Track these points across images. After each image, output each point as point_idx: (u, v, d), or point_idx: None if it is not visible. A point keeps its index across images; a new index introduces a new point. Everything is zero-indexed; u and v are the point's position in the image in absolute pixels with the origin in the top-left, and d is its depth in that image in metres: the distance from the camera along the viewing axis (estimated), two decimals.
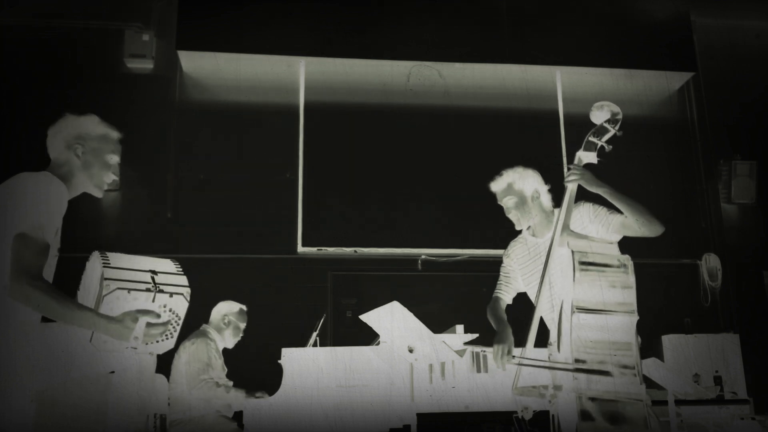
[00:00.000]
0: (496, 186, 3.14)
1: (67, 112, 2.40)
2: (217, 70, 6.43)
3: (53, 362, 2.21)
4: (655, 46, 6.71)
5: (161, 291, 2.30)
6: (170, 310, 2.33)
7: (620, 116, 2.84)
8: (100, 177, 2.40)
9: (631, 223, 2.82)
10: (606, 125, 2.84)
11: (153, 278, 2.31)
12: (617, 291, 2.55)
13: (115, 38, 6.36)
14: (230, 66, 6.39)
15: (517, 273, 3.21)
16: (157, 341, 2.30)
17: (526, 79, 6.61)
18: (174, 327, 2.34)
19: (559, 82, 6.77)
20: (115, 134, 2.46)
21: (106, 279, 2.23)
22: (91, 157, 2.38)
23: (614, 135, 2.84)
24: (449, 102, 6.64)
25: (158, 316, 2.25)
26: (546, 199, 3.11)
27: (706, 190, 6.85)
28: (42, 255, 2.11)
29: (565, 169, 6.37)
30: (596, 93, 6.52)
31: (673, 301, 6.49)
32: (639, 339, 2.94)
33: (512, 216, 3.12)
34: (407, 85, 6.64)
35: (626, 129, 2.88)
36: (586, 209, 2.97)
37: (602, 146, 2.84)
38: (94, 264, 2.31)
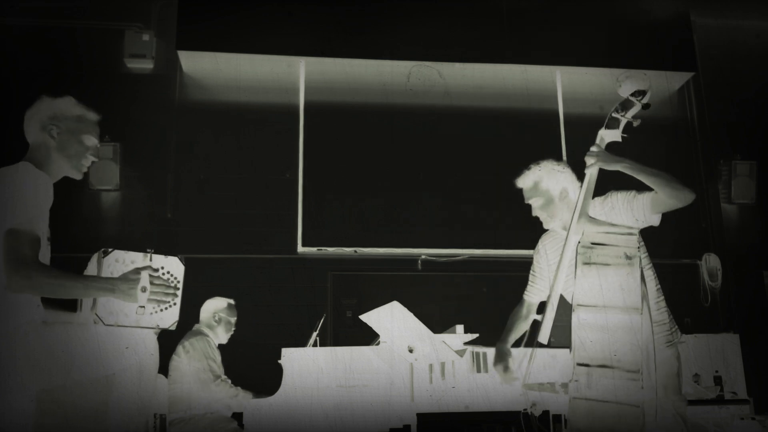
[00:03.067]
0: (522, 183, 2.95)
1: (43, 94, 2.41)
2: (217, 70, 6.43)
3: (53, 362, 2.20)
4: (655, 46, 6.71)
5: (157, 252, 2.38)
6: (168, 272, 2.37)
7: (648, 86, 2.62)
8: (78, 158, 2.40)
9: (660, 196, 2.64)
10: (631, 98, 2.63)
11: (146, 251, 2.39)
12: (619, 288, 2.37)
13: (115, 38, 6.36)
14: (230, 66, 6.38)
15: (545, 270, 3.06)
16: (161, 309, 2.32)
17: (526, 79, 6.61)
18: (175, 293, 2.36)
19: (559, 82, 6.77)
20: (92, 115, 2.46)
21: (101, 250, 2.32)
22: (66, 138, 2.38)
23: (641, 109, 2.62)
24: (449, 102, 6.63)
25: (156, 270, 2.30)
26: (575, 196, 2.88)
27: (706, 190, 6.85)
28: (34, 246, 2.11)
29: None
30: (596, 93, 6.52)
31: (673, 301, 6.46)
32: (679, 335, 2.76)
33: (539, 215, 2.96)
34: (407, 85, 6.64)
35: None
36: (617, 197, 2.79)
37: (629, 122, 2.64)
38: (94, 258, 2.34)
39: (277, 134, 6.45)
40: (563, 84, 6.76)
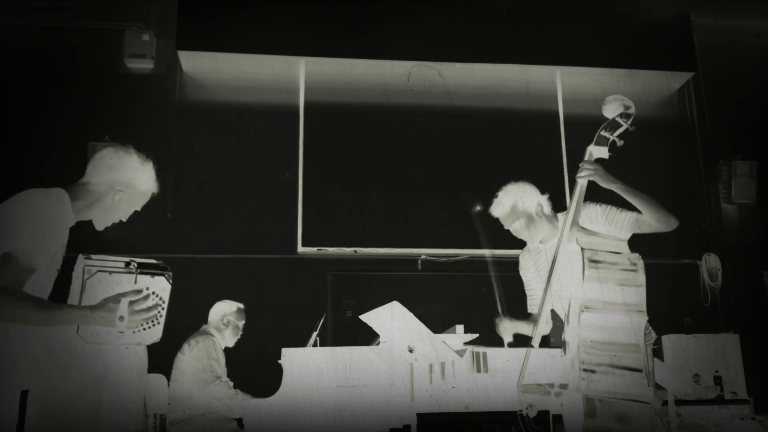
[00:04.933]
0: (498, 211, 3.04)
1: (132, 147, 2.40)
2: (217, 70, 6.43)
3: (53, 362, 2.21)
4: (655, 46, 6.71)
5: (142, 273, 2.30)
6: (153, 293, 2.32)
7: (633, 110, 2.79)
8: (114, 219, 2.44)
9: (646, 219, 2.79)
10: (618, 119, 2.79)
11: (133, 262, 2.31)
12: (627, 290, 2.47)
13: (115, 38, 6.36)
14: (230, 66, 6.38)
15: (539, 281, 3.15)
16: (144, 328, 2.29)
17: (526, 79, 6.61)
18: (159, 312, 2.33)
19: (559, 82, 6.77)
20: (155, 191, 2.47)
21: (87, 266, 2.23)
22: (122, 205, 2.42)
23: (626, 129, 2.78)
24: (449, 102, 6.63)
25: (140, 291, 2.25)
26: (548, 208, 3.06)
27: (706, 190, 6.85)
28: (24, 275, 2.09)
29: (565, 170, 6.41)
30: (596, 93, 6.52)
31: (673, 301, 6.49)
32: (654, 336, 2.89)
33: (523, 237, 3.06)
34: (407, 85, 6.64)
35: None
36: (593, 210, 2.93)
37: (614, 141, 2.78)
38: (78, 264, 2.29)
39: (277, 134, 6.45)
40: (563, 84, 6.76)
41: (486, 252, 2.84)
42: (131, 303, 2.21)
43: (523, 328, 3.08)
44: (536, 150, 6.37)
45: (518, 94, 6.62)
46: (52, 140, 5.91)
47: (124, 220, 2.49)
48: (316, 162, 6.35)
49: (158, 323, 2.34)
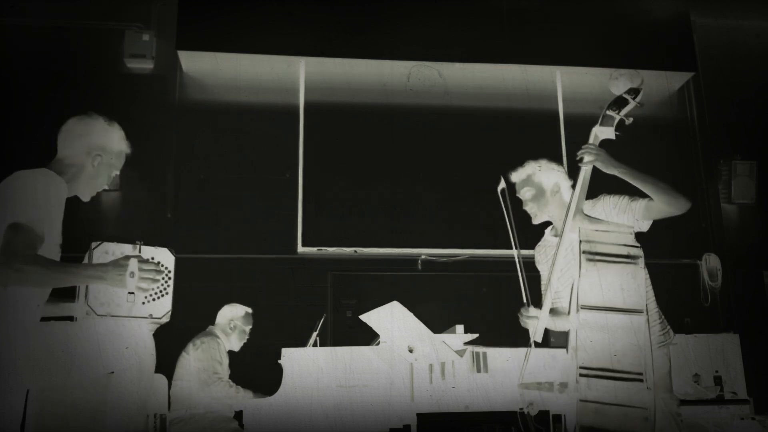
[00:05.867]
0: (516, 176, 3.00)
1: (95, 112, 2.44)
2: (217, 70, 6.43)
3: (53, 362, 2.21)
4: (655, 46, 6.71)
5: (146, 245, 2.46)
6: (159, 263, 2.38)
7: (640, 84, 2.62)
8: (99, 187, 2.46)
9: (656, 204, 2.64)
10: (625, 96, 2.62)
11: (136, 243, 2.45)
12: (626, 287, 2.35)
13: (115, 38, 6.36)
14: (230, 66, 6.38)
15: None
16: (153, 298, 2.35)
17: (526, 79, 6.61)
18: (166, 280, 2.39)
19: (559, 82, 6.77)
20: (128, 151, 2.50)
21: (93, 242, 2.40)
22: (103, 169, 2.44)
23: (635, 107, 2.61)
24: (449, 102, 6.63)
25: (146, 260, 2.33)
26: (568, 195, 2.92)
27: (706, 190, 6.85)
28: (33, 243, 2.10)
29: (565, 169, 6.40)
30: (596, 93, 6.52)
31: (673, 301, 6.46)
32: (672, 335, 2.78)
33: (528, 209, 2.97)
34: (407, 85, 6.64)
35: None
36: (607, 203, 2.79)
37: (621, 120, 2.62)
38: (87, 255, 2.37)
39: (277, 134, 6.45)
40: (563, 84, 6.76)
41: (510, 232, 2.72)
42: (140, 262, 2.23)
43: (549, 323, 2.81)
44: (536, 150, 6.33)
45: (518, 94, 6.62)
46: (52, 140, 5.89)
47: (107, 187, 2.53)
48: (316, 162, 6.35)
49: (166, 293, 2.42)
